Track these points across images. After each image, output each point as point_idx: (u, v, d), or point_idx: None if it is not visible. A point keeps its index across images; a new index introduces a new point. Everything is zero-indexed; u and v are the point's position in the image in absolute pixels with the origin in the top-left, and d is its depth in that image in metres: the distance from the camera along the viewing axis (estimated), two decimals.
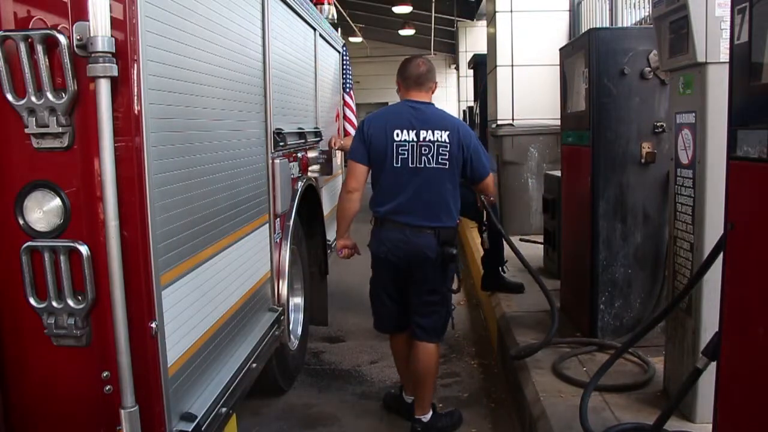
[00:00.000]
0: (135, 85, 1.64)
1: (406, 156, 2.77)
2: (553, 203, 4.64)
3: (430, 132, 2.78)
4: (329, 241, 4.28)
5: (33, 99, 1.61)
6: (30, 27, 1.61)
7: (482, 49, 8.95)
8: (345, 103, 5.49)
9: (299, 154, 3.46)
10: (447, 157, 2.78)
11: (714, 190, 2.24)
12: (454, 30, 16.68)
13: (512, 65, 6.96)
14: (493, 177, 3.11)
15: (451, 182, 2.83)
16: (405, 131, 2.78)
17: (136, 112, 1.64)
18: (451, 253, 2.82)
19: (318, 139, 3.99)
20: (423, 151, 2.77)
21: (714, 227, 2.22)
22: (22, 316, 1.72)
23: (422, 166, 2.77)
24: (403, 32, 16.50)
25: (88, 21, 1.55)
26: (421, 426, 2.89)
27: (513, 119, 6.86)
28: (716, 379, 1.76)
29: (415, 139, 2.78)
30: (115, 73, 1.59)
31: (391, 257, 2.83)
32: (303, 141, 3.52)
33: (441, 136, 2.78)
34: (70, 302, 1.68)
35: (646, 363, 2.96)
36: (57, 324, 1.69)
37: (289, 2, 3.28)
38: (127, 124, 1.64)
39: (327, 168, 4.19)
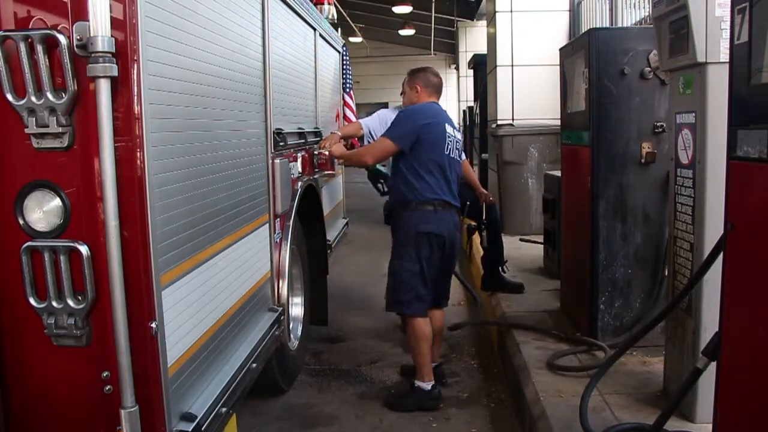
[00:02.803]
0: (135, 85, 1.64)
1: (451, 147, 3.25)
2: (553, 203, 4.64)
3: (455, 131, 3.35)
4: (329, 241, 4.28)
5: (33, 99, 1.61)
6: (30, 27, 1.61)
7: (482, 49, 8.94)
8: (345, 103, 5.49)
9: (299, 154, 3.46)
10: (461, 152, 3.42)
11: (714, 190, 2.24)
12: (454, 30, 16.70)
13: (512, 65, 6.96)
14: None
15: None
16: (448, 126, 3.26)
17: (136, 112, 1.64)
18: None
19: (318, 139, 3.98)
20: (456, 145, 3.30)
21: (714, 227, 2.22)
22: (22, 316, 1.72)
23: (455, 157, 3.29)
24: (403, 32, 16.52)
25: (88, 21, 1.55)
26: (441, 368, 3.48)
27: (513, 119, 6.86)
28: (716, 379, 1.76)
29: (452, 134, 3.28)
30: (115, 73, 1.59)
31: (447, 236, 3.18)
32: (303, 141, 3.52)
33: (460, 136, 3.41)
34: (70, 302, 1.68)
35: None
36: (57, 324, 1.69)
37: (289, 2, 3.28)
38: (127, 124, 1.63)
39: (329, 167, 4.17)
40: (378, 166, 3.99)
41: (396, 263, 3.20)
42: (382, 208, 4.35)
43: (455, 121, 3.75)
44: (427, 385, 3.20)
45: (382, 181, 3.97)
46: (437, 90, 3.43)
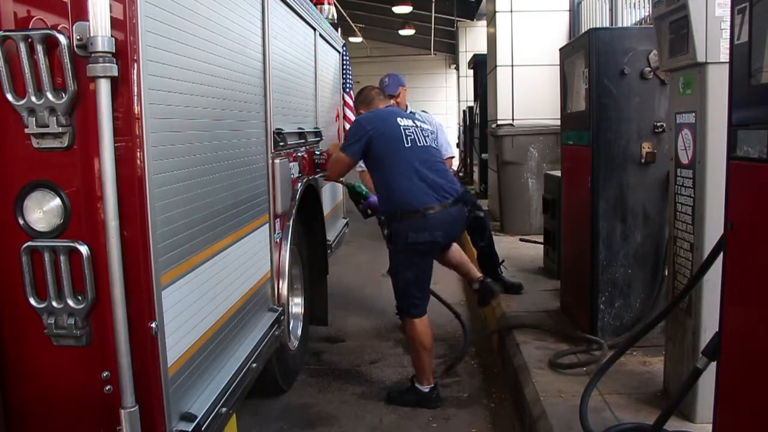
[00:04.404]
0: (135, 85, 1.64)
1: (413, 137, 3.11)
2: (553, 203, 4.64)
3: (419, 122, 3.26)
4: (329, 241, 4.27)
5: (33, 99, 1.61)
6: (30, 27, 1.61)
7: (482, 49, 8.95)
8: (345, 103, 5.49)
9: (299, 154, 3.46)
10: (437, 142, 3.36)
11: (714, 190, 2.24)
12: (454, 30, 16.69)
13: (512, 65, 6.96)
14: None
15: None
16: (404, 119, 3.18)
17: (136, 112, 1.64)
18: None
19: (318, 139, 3.98)
20: (424, 133, 3.19)
21: (714, 227, 2.22)
22: (22, 316, 1.72)
23: (428, 144, 3.17)
24: (403, 32, 16.51)
25: (88, 21, 1.55)
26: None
27: (513, 119, 6.87)
28: (716, 379, 1.76)
29: (413, 125, 3.18)
30: (115, 73, 1.59)
31: (441, 239, 3.11)
32: (303, 141, 3.52)
33: (428, 126, 3.32)
34: (70, 302, 1.68)
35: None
36: (57, 324, 1.69)
37: (289, 2, 3.28)
38: (127, 124, 1.63)
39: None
40: (356, 186, 3.95)
41: (393, 270, 3.21)
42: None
43: (437, 118, 4.17)
44: (426, 389, 3.20)
45: (363, 201, 3.92)
46: (380, 96, 3.50)
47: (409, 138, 3.07)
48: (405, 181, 3.01)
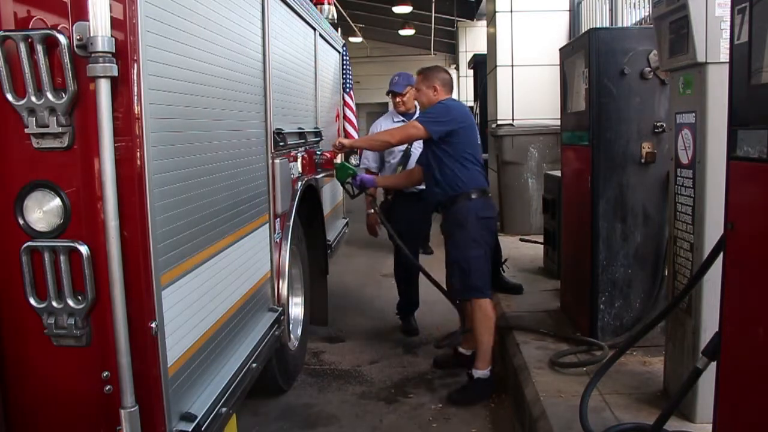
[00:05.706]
0: (135, 85, 1.64)
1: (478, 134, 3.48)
2: (553, 203, 4.65)
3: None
4: (329, 241, 4.28)
5: (33, 99, 1.61)
6: (30, 27, 1.61)
7: (482, 49, 8.95)
8: (345, 103, 5.49)
9: (299, 154, 3.46)
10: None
11: (714, 190, 2.24)
12: (454, 30, 16.69)
13: (512, 65, 6.96)
14: None
15: None
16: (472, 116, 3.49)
17: (136, 112, 1.64)
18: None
19: (318, 139, 3.98)
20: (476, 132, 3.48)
21: (714, 227, 2.22)
22: (22, 316, 1.72)
23: (479, 142, 3.49)
24: (403, 32, 16.49)
25: (88, 21, 1.55)
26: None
27: (513, 119, 6.87)
28: (716, 379, 1.76)
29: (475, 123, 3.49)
30: (115, 73, 1.59)
31: (496, 218, 3.40)
32: (303, 141, 3.52)
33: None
34: (70, 302, 1.68)
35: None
36: (57, 324, 1.69)
37: (289, 2, 3.28)
38: (127, 124, 1.63)
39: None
40: (346, 163, 3.92)
41: (462, 252, 3.23)
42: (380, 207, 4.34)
43: None
44: (487, 372, 3.25)
45: (350, 180, 3.88)
46: (452, 87, 3.58)
47: (477, 135, 3.46)
48: (473, 168, 3.32)
